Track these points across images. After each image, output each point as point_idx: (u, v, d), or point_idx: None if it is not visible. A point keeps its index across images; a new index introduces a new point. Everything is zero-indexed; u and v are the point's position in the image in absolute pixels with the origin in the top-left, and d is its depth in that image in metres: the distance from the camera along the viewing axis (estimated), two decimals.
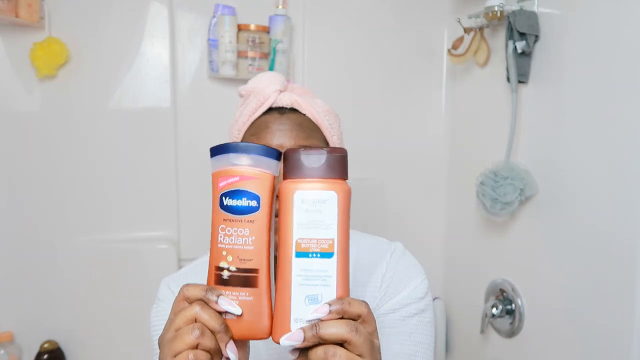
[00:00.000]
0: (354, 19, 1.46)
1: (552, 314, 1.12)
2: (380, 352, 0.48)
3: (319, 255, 0.46)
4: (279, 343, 0.46)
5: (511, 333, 1.24)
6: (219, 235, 0.49)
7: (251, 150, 0.48)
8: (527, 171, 1.16)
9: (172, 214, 1.37)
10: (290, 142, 0.68)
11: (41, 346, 1.27)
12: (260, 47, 1.32)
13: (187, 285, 0.48)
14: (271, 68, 1.35)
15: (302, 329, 0.45)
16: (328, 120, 0.74)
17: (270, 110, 0.71)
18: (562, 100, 1.09)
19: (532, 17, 1.13)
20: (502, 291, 1.27)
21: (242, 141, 0.71)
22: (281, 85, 0.72)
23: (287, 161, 0.48)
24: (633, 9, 0.92)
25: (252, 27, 1.31)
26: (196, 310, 0.46)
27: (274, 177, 0.48)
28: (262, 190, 0.48)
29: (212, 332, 0.46)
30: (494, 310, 1.23)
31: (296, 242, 0.46)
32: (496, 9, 1.19)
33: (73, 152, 1.29)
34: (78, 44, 1.26)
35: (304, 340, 0.44)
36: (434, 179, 1.59)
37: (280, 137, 0.68)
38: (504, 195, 1.16)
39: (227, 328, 0.46)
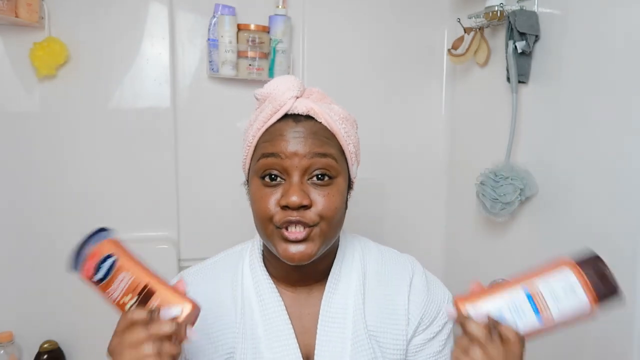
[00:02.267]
0: (354, 19, 1.46)
1: None
2: None
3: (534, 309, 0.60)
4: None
5: None
6: (108, 298, 0.64)
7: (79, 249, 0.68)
8: (527, 171, 1.16)
9: (172, 214, 1.37)
10: (305, 150, 0.67)
11: (41, 346, 1.27)
12: (260, 47, 1.32)
13: (129, 312, 0.59)
14: (271, 68, 1.35)
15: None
16: (344, 128, 0.72)
17: (285, 116, 0.70)
18: (562, 100, 1.09)
19: (532, 17, 1.13)
20: None
21: (256, 146, 0.71)
22: (298, 91, 0.71)
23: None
24: (632, 8, 0.92)
25: (252, 27, 1.31)
26: (148, 331, 0.56)
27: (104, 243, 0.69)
28: (111, 254, 0.68)
29: (170, 334, 0.57)
30: None
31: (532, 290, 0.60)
32: (496, 9, 1.19)
33: (73, 152, 1.29)
34: (78, 44, 1.26)
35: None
36: (434, 178, 1.59)
37: (295, 144, 0.68)
38: (504, 195, 1.16)
39: (178, 325, 0.58)
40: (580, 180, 1.04)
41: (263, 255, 0.79)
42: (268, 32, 1.33)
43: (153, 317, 0.57)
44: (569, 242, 1.07)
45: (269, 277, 0.76)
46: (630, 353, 0.92)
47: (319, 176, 0.68)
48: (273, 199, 0.68)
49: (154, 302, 0.59)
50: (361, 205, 1.57)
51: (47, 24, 1.22)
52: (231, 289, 0.77)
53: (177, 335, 0.58)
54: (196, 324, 0.63)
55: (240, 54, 1.32)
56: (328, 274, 0.77)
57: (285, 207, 0.67)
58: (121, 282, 0.62)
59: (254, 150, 0.72)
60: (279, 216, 0.67)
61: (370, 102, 1.51)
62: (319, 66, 1.45)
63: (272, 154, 0.68)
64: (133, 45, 1.30)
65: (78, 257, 0.67)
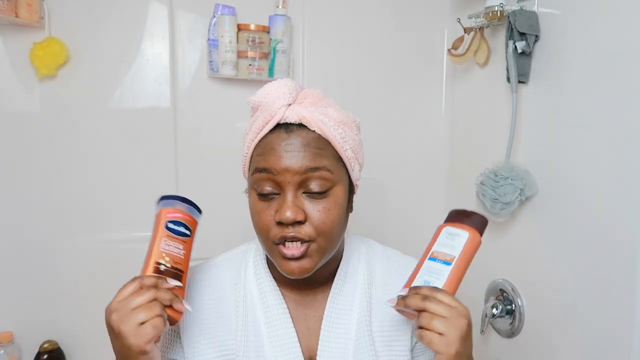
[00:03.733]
0: (354, 18, 1.46)
1: (553, 314, 1.12)
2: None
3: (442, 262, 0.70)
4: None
5: (511, 333, 1.24)
6: (161, 243, 0.68)
7: (188, 203, 0.74)
8: (527, 171, 1.16)
9: None
10: (297, 165, 0.65)
11: (41, 346, 1.27)
12: (260, 47, 1.32)
13: (143, 276, 0.63)
14: (271, 68, 1.35)
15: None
16: (341, 133, 0.69)
17: (277, 127, 0.68)
18: (562, 100, 1.09)
19: (532, 17, 1.13)
20: (502, 291, 1.27)
21: (251, 158, 0.71)
22: (290, 97, 0.68)
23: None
24: (633, 8, 0.92)
25: (252, 27, 1.31)
26: (155, 292, 0.61)
27: (197, 223, 0.73)
28: (193, 228, 0.72)
29: (169, 301, 0.62)
30: (494, 311, 1.23)
31: (432, 252, 0.73)
32: (496, 9, 1.19)
33: (72, 152, 1.29)
34: (78, 43, 1.26)
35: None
36: (433, 178, 1.59)
37: (287, 159, 0.65)
38: (504, 195, 1.16)
39: (177, 296, 0.63)
40: (581, 180, 1.04)
41: (267, 258, 0.78)
42: (268, 32, 1.34)
43: (160, 283, 0.62)
44: (569, 242, 1.07)
45: (273, 280, 0.76)
46: (630, 353, 0.93)
47: (313, 190, 0.67)
48: (268, 213, 0.67)
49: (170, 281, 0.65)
50: (361, 205, 1.57)
51: (47, 24, 1.22)
52: (234, 290, 0.76)
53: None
54: (197, 323, 0.71)
55: (240, 54, 1.32)
56: (333, 277, 0.77)
57: (280, 223, 0.66)
58: (175, 248, 0.68)
59: (250, 162, 0.71)
60: (275, 232, 0.67)
61: (370, 102, 1.51)
62: (319, 66, 1.45)
63: (264, 169, 0.67)
64: (133, 45, 1.30)
65: (175, 199, 0.74)
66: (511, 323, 1.23)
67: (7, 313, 1.27)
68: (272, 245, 0.68)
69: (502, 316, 1.24)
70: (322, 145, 0.68)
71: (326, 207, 0.67)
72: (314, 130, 0.68)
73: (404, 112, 1.54)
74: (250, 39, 1.30)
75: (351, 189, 0.75)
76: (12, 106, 1.24)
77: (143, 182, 1.34)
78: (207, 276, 0.79)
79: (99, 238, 1.31)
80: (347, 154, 0.71)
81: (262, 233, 0.68)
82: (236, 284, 0.77)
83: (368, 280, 0.78)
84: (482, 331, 1.26)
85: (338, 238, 0.71)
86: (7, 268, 1.26)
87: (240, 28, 1.31)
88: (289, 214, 0.64)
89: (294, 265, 0.67)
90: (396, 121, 1.54)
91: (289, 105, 0.68)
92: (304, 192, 0.67)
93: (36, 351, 1.27)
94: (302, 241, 0.66)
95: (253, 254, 0.80)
